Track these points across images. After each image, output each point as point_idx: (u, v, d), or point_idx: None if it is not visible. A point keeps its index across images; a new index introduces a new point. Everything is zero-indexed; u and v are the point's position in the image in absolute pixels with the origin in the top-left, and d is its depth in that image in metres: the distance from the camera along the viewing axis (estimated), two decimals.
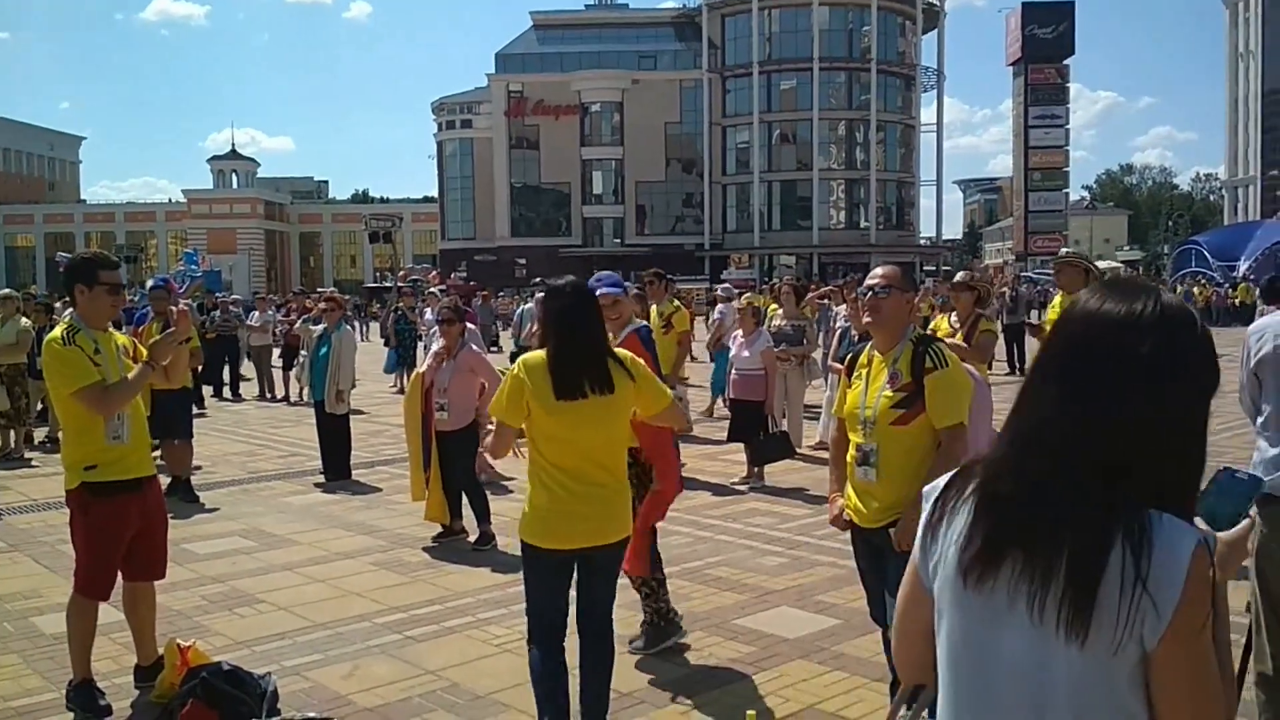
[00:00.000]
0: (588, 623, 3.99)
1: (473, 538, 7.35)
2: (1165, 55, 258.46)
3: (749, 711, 4.10)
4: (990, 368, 7.82)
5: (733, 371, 9.62)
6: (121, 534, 4.54)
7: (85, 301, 4.57)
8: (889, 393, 3.72)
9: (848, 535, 4.03)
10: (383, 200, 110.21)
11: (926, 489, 1.69)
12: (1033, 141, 75.99)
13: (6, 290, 12.53)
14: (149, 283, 25.90)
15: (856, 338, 8.37)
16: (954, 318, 7.61)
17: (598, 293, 4.29)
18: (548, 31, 74.15)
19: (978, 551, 1.50)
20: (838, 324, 10.99)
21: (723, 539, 7.36)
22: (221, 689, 4.20)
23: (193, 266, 37.94)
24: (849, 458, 3.85)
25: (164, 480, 9.44)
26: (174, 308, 6.87)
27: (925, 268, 68.64)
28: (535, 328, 4.45)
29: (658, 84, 71.50)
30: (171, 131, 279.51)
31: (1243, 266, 43.43)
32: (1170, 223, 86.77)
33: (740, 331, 9.67)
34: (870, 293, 3.79)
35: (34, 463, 11.39)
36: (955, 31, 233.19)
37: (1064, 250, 8.17)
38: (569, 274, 4.33)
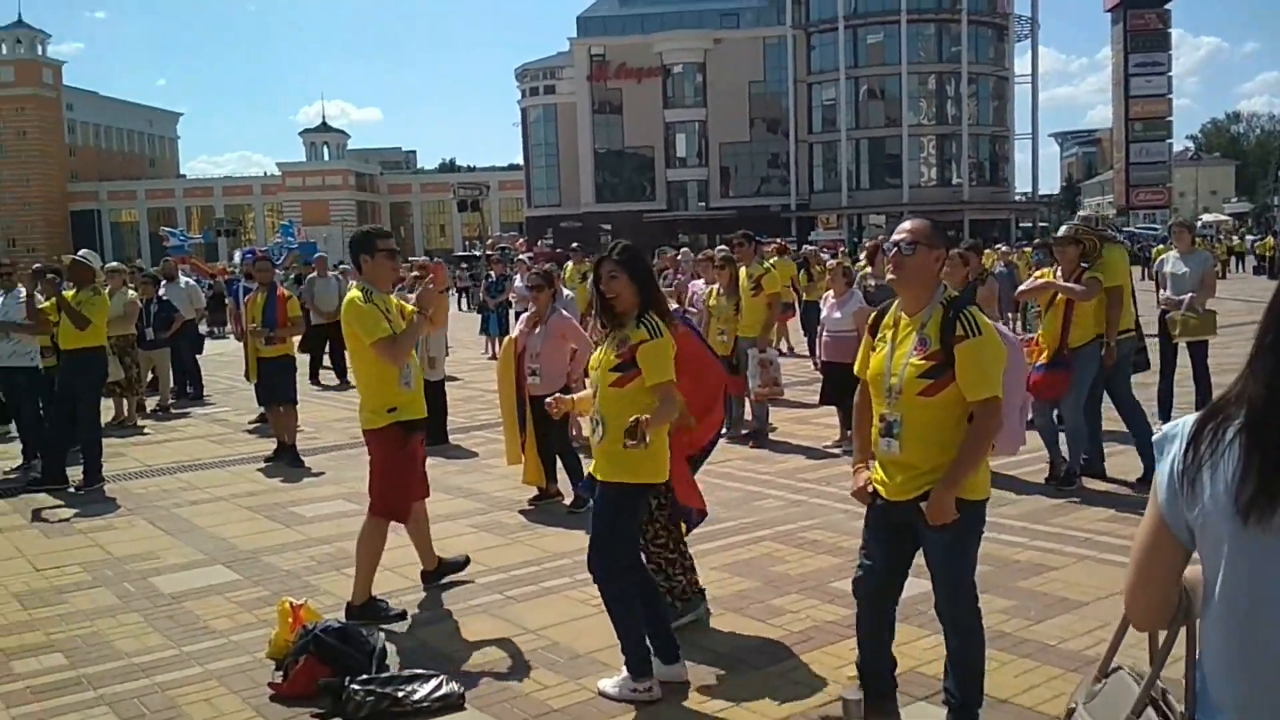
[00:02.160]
0: (639, 558, 4.43)
1: (568, 501, 7.44)
2: None
3: (849, 674, 4.09)
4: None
5: (824, 333, 9.50)
6: (420, 463, 5.41)
7: (370, 268, 5.27)
8: (916, 360, 3.46)
9: None
10: (470, 169, 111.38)
11: (1158, 438, 1.68)
12: (1133, 90, 73.01)
13: (115, 263, 13.02)
14: (236, 256, 26.33)
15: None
16: (1059, 273, 7.41)
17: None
18: None
19: (1257, 489, 1.51)
20: None
21: (817, 502, 7.32)
22: (333, 645, 4.34)
23: (289, 238, 38.84)
24: (874, 428, 3.64)
25: (270, 445, 9.84)
26: (433, 260, 7.42)
27: (1021, 224, 66.89)
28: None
29: (740, 43, 70.66)
30: (264, 106, 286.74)
31: None
32: None
33: (832, 293, 9.54)
34: (895, 248, 3.52)
35: (146, 430, 11.86)
36: None
37: (1063, 228, 8.00)
38: (653, 238, 4.60)
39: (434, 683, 4.24)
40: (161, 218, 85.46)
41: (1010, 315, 14.55)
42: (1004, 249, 23.68)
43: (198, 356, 14.73)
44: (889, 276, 3.63)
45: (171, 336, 13.12)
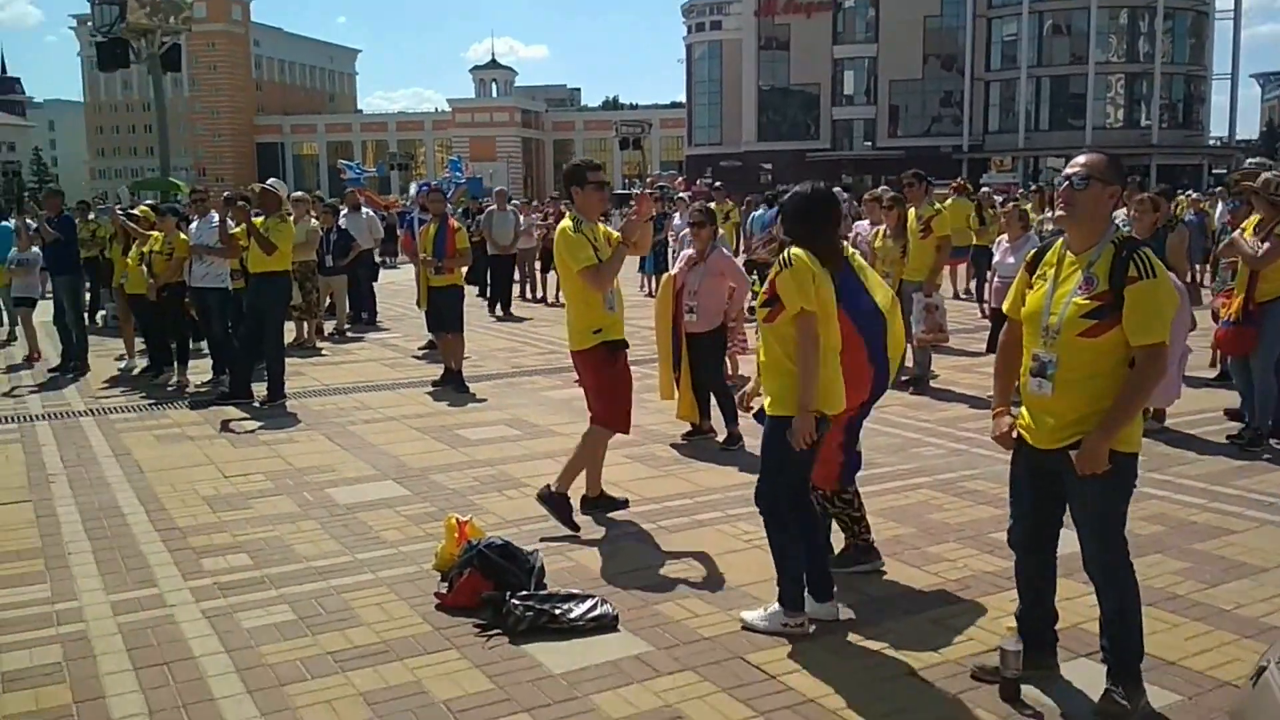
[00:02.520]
0: (808, 492, 4.38)
1: (721, 437, 7.47)
2: None
3: (1007, 625, 4.00)
4: None
5: (995, 278, 9.17)
6: (630, 379, 5.72)
7: (581, 198, 5.54)
8: (1081, 299, 3.32)
9: None
10: (632, 106, 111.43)
11: None
12: None
13: (299, 193, 13.65)
14: (412, 188, 27.07)
15: None
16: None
17: None
18: None
19: None
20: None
21: (979, 452, 7.12)
22: (496, 561, 4.53)
23: (457, 173, 39.72)
24: (1025, 368, 3.51)
25: (438, 370, 10.23)
26: (640, 191, 7.71)
27: (1214, 170, 62.36)
28: (772, 234, 4.40)
29: None
30: (436, 43, 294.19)
31: None
32: None
33: (1006, 236, 9.18)
34: (1066, 182, 3.38)
35: (324, 352, 12.51)
36: None
37: (1264, 174, 7.25)
38: (816, 179, 4.63)
39: (589, 603, 4.37)
40: (339, 151, 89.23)
41: (1199, 267, 13.69)
42: (1195, 195, 22.18)
43: (373, 284, 15.38)
44: (1058, 213, 3.49)
45: (349, 264, 13.73)
